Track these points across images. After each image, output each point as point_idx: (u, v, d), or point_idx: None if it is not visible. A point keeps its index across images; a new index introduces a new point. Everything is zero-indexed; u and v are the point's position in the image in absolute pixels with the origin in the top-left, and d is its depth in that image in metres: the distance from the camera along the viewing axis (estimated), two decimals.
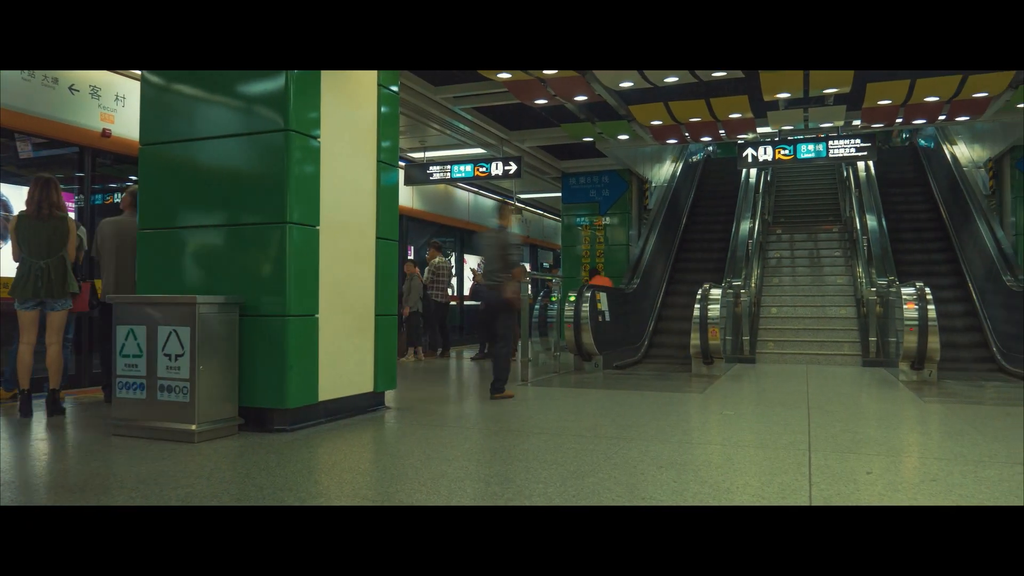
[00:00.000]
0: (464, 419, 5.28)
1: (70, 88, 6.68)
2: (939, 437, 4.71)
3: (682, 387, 7.25)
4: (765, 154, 11.10)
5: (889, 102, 9.63)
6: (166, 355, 4.30)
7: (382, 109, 5.49)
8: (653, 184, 14.65)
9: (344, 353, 5.04)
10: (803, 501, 2.98)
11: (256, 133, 4.66)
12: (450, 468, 3.58)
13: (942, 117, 10.33)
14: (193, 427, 4.19)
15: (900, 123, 10.74)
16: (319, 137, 4.81)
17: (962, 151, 13.19)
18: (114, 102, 7.11)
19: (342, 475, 3.57)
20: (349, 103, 5.18)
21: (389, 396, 5.91)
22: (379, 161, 5.45)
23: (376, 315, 5.39)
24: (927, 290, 7.57)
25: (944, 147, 13.52)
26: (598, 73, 8.67)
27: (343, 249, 5.05)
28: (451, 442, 4.28)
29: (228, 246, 4.72)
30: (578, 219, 14.55)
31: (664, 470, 3.53)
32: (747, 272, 11.13)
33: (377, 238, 5.41)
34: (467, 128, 11.44)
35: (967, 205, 11.80)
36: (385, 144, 5.52)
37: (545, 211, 19.99)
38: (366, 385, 5.30)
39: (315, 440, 4.29)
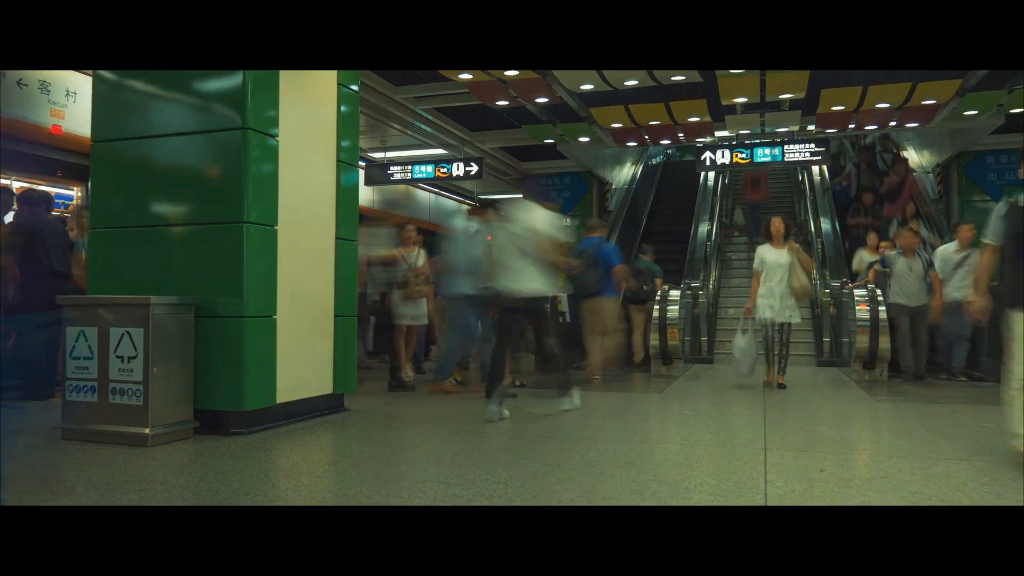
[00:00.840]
0: (424, 421, 5.26)
1: (18, 83, 6.49)
2: (889, 435, 4.83)
3: (641, 387, 7.31)
4: (723, 157, 11.26)
5: (842, 108, 9.85)
6: (118, 357, 4.19)
7: (342, 108, 5.44)
8: (614, 186, 14.77)
9: (303, 355, 4.98)
10: (759, 499, 3.03)
11: (213, 131, 4.57)
12: (410, 470, 3.57)
13: (893, 123, 10.61)
14: (147, 430, 4.09)
15: (853, 128, 11.00)
16: (277, 136, 4.75)
17: (912, 156, 13.55)
18: (65, 98, 6.93)
19: (300, 478, 3.53)
20: (308, 102, 5.12)
21: (349, 398, 5.85)
22: (339, 161, 5.40)
23: (336, 316, 5.33)
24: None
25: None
26: (558, 75, 8.71)
27: (302, 249, 4.99)
28: (411, 444, 4.26)
29: (183, 246, 4.63)
30: None
31: (623, 469, 3.56)
32: (705, 274, 11.27)
33: (337, 238, 5.36)
34: (428, 128, 11.40)
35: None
36: (345, 143, 5.47)
37: None
38: (325, 387, 5.24)
39: (273, 443, 4.23)
